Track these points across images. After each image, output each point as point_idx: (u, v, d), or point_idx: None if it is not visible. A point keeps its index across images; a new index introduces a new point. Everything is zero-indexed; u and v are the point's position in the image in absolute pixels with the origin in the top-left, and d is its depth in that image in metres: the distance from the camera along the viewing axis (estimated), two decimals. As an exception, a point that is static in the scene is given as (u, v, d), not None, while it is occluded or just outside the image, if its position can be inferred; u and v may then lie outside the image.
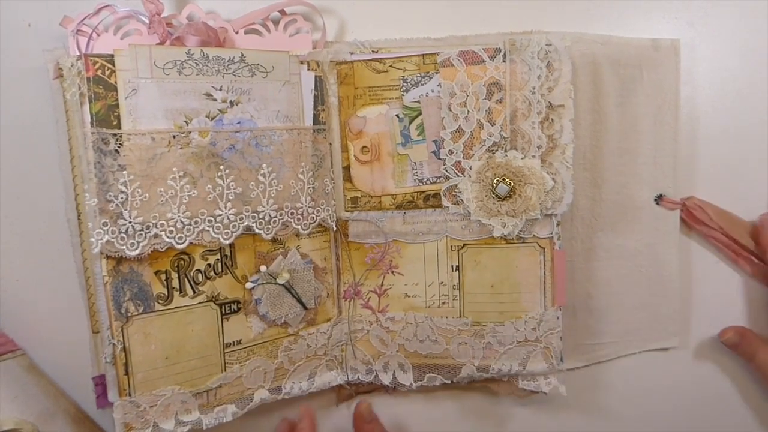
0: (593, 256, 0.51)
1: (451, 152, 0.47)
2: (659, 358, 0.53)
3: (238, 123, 0.44)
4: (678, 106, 0.49)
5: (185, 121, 0.42)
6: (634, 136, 0.50)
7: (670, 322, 0.52)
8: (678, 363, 0.53)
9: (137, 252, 0.40)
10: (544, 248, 0.47)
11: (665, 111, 0.49)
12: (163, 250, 0.41)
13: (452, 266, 0.49)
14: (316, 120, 0.47)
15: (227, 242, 0.43)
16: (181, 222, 0.42)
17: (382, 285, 0.50)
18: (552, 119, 0.46)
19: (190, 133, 0.42)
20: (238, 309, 0.45)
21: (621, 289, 0.52)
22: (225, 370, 0.45)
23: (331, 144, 0.48)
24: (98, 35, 0.42)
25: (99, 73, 0.40)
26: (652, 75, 0.49)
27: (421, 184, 0.48)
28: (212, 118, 0.43)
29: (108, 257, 0.40)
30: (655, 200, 0.50)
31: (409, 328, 0.49)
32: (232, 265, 0.45)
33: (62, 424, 0.45)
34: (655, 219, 0.51)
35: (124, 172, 0.40)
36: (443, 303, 0.49)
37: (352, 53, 0.47)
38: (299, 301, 0.47)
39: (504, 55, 0.45)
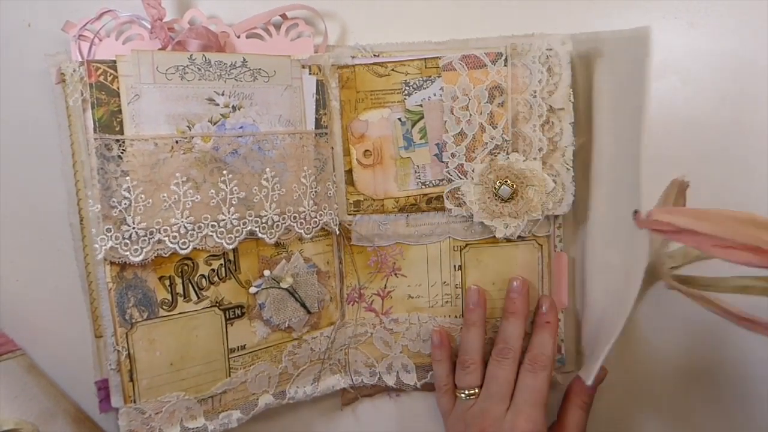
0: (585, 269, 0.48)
1: (453, 155, 0.47)
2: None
3: (241, 128, 0.43)
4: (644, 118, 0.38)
5: (188, 127, 0.42)
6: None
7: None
8: (676, 359, 0.53)
9: (141, 258, 0.40)
10: (541, 245, 0.48)
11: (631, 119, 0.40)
12: (166, 255, 0.41)
13: (455, 266, 0.49)
14: (318, 124, 0.47)
15: (231, 247, 0.43)
16: (185, 227, 0.41)
17: (385, 287, 0.50)
18: (552, 122, 0.46)
19: (192, 138, 0.42)
20: (242, 314, 0.45)
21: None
22: (229, 376, 0.45)
23: (333, 148, 0.48)
24: (100, 40, 0.42)
25: (101, 78, 0.40)
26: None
27: (423, 186, 0.48)
28: (215, 123, 0.43)
29: (112, 263, 0.40)
30: (633, 214, 0.39)
31: (413, 328, 0.50)
32: (235, 270, 0.45)
33: (62, 424, 0.45)
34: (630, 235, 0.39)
35: (127, 177, 0.40)
36: (446, 302, 0.49)
37: (353, 57, 0.47)
38: (303, 305, 0.47)
39: (506, 60, 0.45)
